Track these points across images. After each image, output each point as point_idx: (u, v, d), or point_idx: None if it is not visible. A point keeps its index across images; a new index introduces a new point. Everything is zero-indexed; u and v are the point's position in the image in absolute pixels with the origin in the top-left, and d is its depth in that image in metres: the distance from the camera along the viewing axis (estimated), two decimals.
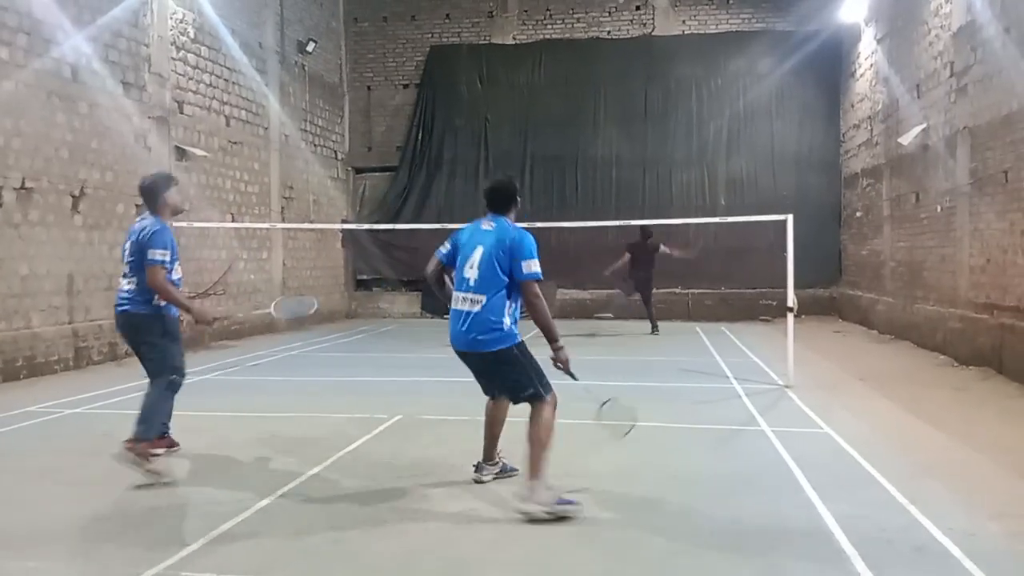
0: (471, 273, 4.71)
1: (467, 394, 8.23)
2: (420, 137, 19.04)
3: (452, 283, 4.92)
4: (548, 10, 18.95)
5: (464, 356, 4.84)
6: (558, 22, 18.96)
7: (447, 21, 19.28)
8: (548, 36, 18.92)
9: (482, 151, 18.82)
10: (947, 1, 11.07)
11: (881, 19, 14.50)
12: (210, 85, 13.48)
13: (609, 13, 18.79)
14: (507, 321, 4.68)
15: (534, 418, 4.67)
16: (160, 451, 5.43)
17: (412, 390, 8.52)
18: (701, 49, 18.29)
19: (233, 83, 14.21)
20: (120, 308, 5.48)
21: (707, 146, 18.29)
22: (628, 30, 18.71)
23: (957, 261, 10.69)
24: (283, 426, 6.80)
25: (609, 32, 18.77)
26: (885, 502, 4.61)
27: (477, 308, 4.66)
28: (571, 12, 18.91)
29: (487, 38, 19.14)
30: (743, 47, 18.09)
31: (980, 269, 9.93)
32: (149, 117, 11.74)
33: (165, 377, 5.44)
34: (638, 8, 18.69)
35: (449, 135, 18.88)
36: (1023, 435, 6.38)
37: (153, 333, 5.43)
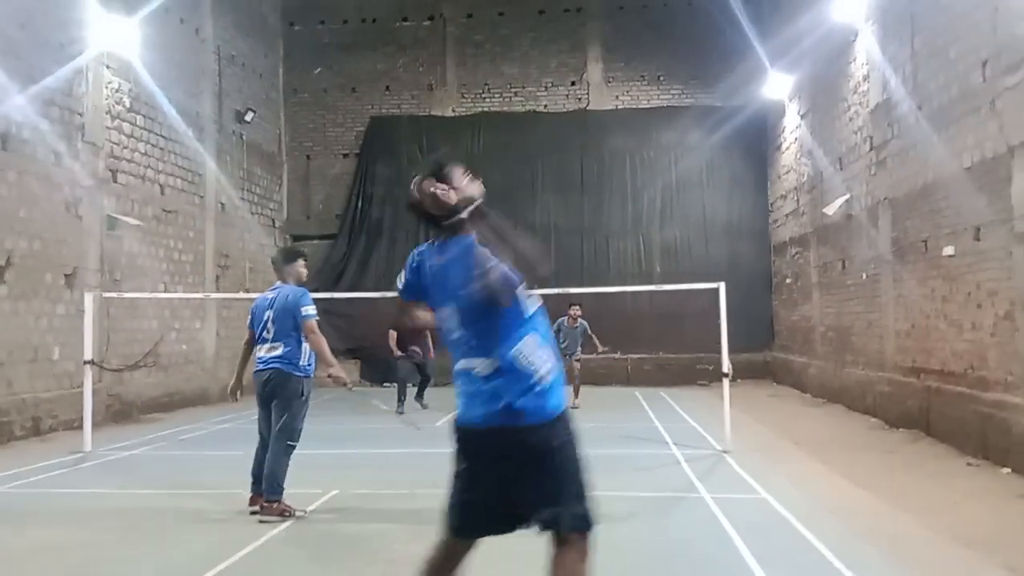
0: None
1: (402, 468, 8.19)
2: (360, 205, 19.07)
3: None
4: (486, 84, 19.38)
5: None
6: (496, 96, 19.39)
7: (387, 93, 19.54)
8: (486, 109, 19.30)
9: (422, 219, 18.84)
10: (865, 80, 11.69)
11: (804, 96, 15.20)
12: (145, 154, 13.32)
13: (545, 88, 19.31)
14: None
15: None
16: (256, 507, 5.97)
17: (348, 463, 8.35)
18: (633, 123, 18.86)
19: (169, 152, 14.07)
20: (270, 367, 6.06)
21: (641, 215, 18.72)
22: (564, 104, 19.23)
23: (883, 326, 11.05)
24: (213, 503, 6.57)
25: (545, 106, 19.25)
26: (823, 568, 4.65)
27: None
28: (508, 87, 19.37)
29: (427, 110, 19.43)
30: (673, 121, 18.70)
31: (905, 334, 10.27)
32: (81, 186, 11.51)
33: (284, 440, 5.98)
34: (573, 84, 19.26)
35: (389, 203, 18.89)
36: (952, 496, 6.54)
37: (297, 395, 6.06)
